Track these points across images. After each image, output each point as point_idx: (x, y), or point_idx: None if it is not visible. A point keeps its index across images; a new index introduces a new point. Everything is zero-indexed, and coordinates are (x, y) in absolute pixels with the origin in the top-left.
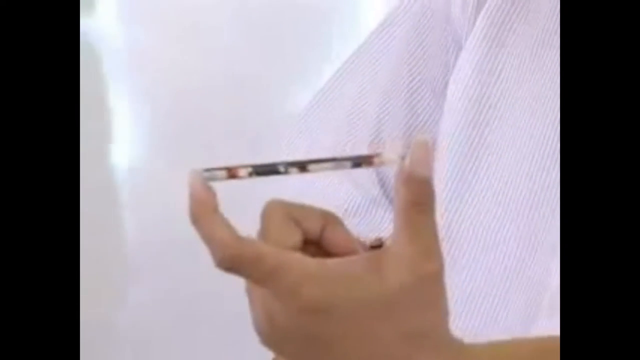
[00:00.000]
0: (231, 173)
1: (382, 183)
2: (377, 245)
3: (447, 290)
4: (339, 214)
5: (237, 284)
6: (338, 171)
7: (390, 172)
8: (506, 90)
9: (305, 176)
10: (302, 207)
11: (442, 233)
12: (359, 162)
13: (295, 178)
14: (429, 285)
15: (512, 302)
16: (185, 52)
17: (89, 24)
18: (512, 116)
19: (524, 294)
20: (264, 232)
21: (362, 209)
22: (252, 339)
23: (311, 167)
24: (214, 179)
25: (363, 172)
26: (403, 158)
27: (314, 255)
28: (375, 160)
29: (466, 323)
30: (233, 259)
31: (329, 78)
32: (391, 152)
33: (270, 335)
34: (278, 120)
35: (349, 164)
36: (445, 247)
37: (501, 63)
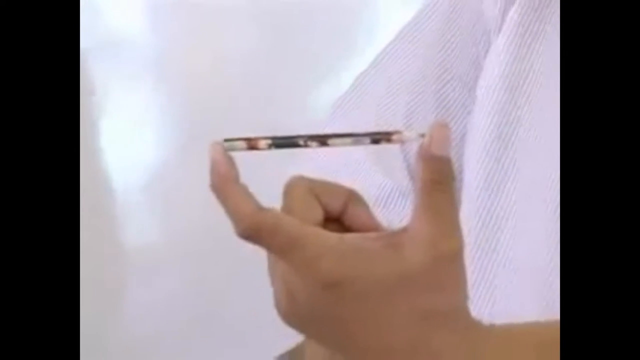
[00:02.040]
0: (251, 144)
1: (412, 176)
2: None
3: (474, 277)
4: (370, 202)
5: (240, 285)
6: (370, 161)
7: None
8: (537, 87)
9: (335, 161)
10: (325, 184)
11: (475, 226)
12: (378, 138)
13: (324, 163)
14: (447, 264)
15: (537, 293)
16: (207, 49)
17: (112, 23)
18: (542, 114)
19: (551, 284)
20: (286, 207)
21: (393, 199)
22: (255, 341)
23: (331, 141)
24: (233, 149)
25: (394, 164)
26: (422, 136)
27: (335, 232)
28: (394, 137)
29: (489, 309)
30: (253, 227)
31: (363, 70)
32: (411, 131)
33: (290, 313)
34: (301, 118)
35: (368, 139)
36: (477, 239)
37: (531, 60)
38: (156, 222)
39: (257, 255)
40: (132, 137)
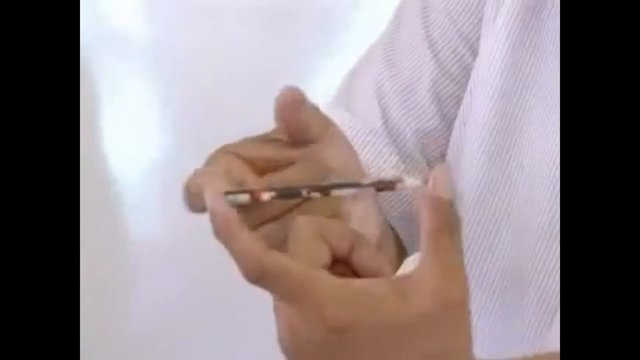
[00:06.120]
0: (254, 197)
1: (385, 116)
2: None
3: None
4: None
5: (237, 284)
6: (337, 103)
7: (393, 103)
8: (538, 73)
9: None
10: (332, 224)
11: (476, 214)
12: (381, 187)
13: None
14: (452, 312)
15: (538, 285)
16: (206, 43)
17: (112, 17)
18: (543, 101)
19: (552, 278)
20: (292, 249)
21: (359, 139)
22: (253, 340)
23: (333, 192)
24: (236, 201)
25: (364, 103)
26: (426, 183)
27: (342, 274)
28: (398, 185)
29: (489, 298)
30: (260, 269)
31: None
32: (412, 179)
33: (292, 351)
34: None
35: (371, 188)
36: (479, 230)
37: (534, 42)
38: (158, 217)
39: None
40: (132, 131)
